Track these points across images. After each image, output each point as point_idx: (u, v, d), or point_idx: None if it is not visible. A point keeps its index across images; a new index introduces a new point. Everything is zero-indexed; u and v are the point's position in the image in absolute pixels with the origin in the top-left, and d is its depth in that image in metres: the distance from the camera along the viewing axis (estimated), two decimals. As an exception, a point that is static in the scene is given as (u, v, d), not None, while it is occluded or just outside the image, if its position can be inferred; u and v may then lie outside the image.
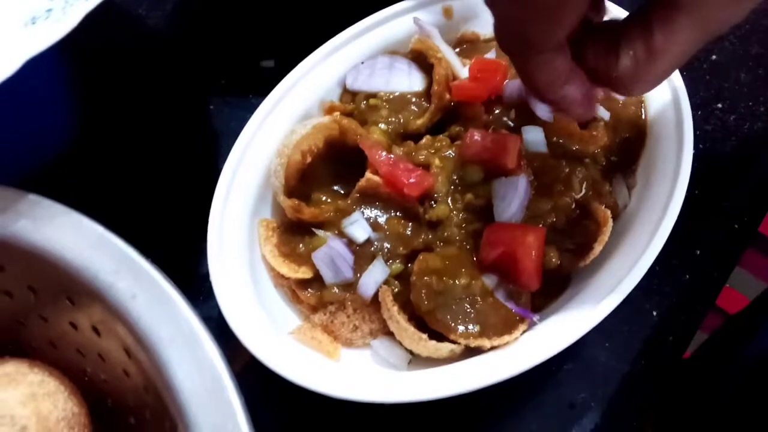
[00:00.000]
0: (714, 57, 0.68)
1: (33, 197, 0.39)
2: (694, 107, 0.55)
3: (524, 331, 0.48)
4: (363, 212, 0.53)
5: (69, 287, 0.38)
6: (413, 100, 0.57)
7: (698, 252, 0.58)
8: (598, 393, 0.53)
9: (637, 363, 0.54)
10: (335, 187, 0.56)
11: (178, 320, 0.34)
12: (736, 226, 0.60)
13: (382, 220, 0.52)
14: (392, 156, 0.52)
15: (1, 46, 0.40)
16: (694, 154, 0.53)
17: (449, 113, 0.57)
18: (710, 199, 0.60)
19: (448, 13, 0.62)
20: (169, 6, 0.76)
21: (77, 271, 0.37)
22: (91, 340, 0.40)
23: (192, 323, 0.34)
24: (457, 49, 0.61)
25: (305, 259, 0.52)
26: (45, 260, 0.38)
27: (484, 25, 0.62)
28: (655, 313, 0.55)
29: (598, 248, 0.50)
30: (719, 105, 0.65)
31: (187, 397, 0.33)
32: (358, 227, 0.52)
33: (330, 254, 0.50)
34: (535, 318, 0.48)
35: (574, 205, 0.51)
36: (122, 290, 0.35)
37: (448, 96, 0.55)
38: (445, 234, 0.50)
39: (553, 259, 0.48)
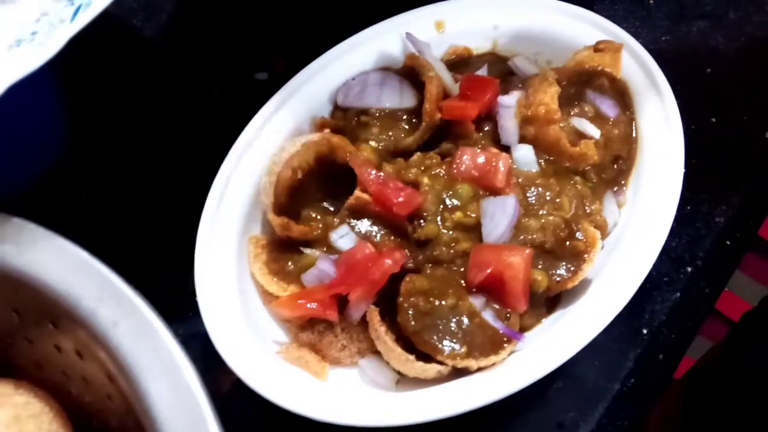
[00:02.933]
0: (708, 70, 0.67)
1: (17, 221, 0.39)
2: (688, 121, 0.55)
3: (512, 352, 0.48)
4: (353, 229, 0.53)
5: (52, 311, 0.38)
6: (404, 116, 0.57)
7: (689, 269, 0.57)
8: (587, 412, 0.52)
9: (627, 381, 0.54)
10: (325, 204, 0.56)
11: (158, 348, 0.34)
12: (728, 242, 0.59)
13: (370, 237, 0.52)
14: (381, 174, 0.52)
15: (-14, 69, 0.40)
16: (686, 169, 0.53)
17: (440, 130, 0.56)
18: (702, 215, 0.60)
19: (440, 27, 0.61)
20: (164, 17, 0.76)
21: (60, 296, 0.37)
22: (75, 363, 0.40)
23: (172, 351, 0.34)
24: (450, 65, 0.61)
25: (294, 278, 0.52)
26: (28, 285, 0.38)
27: (476, 39, 0.62)
28: (645, 332, 0.55)
29: (587, 268, 0.50)
30: (713, 119, 0.64)
31: (166, 425, 0.33)
32: (348, 240, 0.52)
33: (319, 276, 0.50)
34: (523, 339, 0.48)
35: (563, 225, 0.51)
36: (104, 317, 0.36)
37: (439, 114, 0.55)
38: (434, 253, 0.50)
39: (541, 283, 0.48)
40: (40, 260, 0.37)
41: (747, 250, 0.60)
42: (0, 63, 0.40)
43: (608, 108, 0.56)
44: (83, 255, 0.38)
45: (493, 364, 0.47)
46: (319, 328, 0.50)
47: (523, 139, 0.54)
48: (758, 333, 0.62)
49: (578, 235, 0.51)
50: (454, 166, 0.52)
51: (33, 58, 0.38)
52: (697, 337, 0.59)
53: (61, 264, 0.37)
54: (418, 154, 0.55)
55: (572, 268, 0.50)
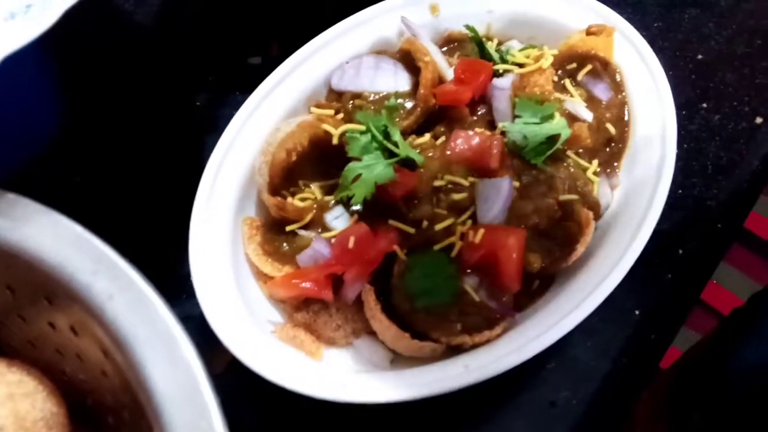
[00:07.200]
0: (700, 57, 0.68)
1: (11, 196, 0.39)
2: (679, 107, 0.55)
3: (506, 329, 0.48)
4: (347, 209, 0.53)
5: (47, 287, 0.38)
6: (399, 100, 0.57)
7: (681, 251, 0.58)
8: (579, 391, 0.53)
9: (619, 361, 0.54)
10: (319, 185, 0.56)
11: (154, 321, 0.34)
12: (719, 225, 0.60)
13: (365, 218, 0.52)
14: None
15: (-21, 43, 0.39)
16: (678, 154, 0.53)
17: (435, 113, 0.57)
18: (694, 199, 0.60)
19: (434, 10, 0.62)
20: (157, 1, 0.75)
21: (55, 270, 0.36)
22: (70, 340, 0.40)
23: (168, 324, 0.34)
24: (444, 48, 0.61)
25: (289, 258, 0.52)
26: (23, 260, 0.37)
27: (471, 23, 0.62)
28: (637, 312, 0.56)
29: (580, 249, 0.50)
30: (704, 105, 0.65)
31: (162, 397, 0.33)
32: (343, 221, 0.52)
33: (314, 257, 0.50)
34: (516, 316, 0.49)
35: (557, 206, 0.51)
36: (99, 291, 0.35)
37: (434, 99, 0.55)
38: (428, 233, 0.50)
39: (535, 264, 0.49)
40: (34, 234, 0.37)
41: (737, 234, 0.61)
42: (-6, 36, 0.39)
43: (601, 91, 0.56)
44: (78, 229, 0.37)
45: (488, 341, 0.47)
46: (313, 308, 0.51)
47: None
48: (744, 332, 0.63)
49: (572, 216, 0.51)
50: (449, 148, 0.52)
51: (29, 29, 0.37)
52: (685, 330, 0.59)
53: (55, 238, 0.37)
54: (413, 136, 0.55)
55: (565, 249, 0.50)
